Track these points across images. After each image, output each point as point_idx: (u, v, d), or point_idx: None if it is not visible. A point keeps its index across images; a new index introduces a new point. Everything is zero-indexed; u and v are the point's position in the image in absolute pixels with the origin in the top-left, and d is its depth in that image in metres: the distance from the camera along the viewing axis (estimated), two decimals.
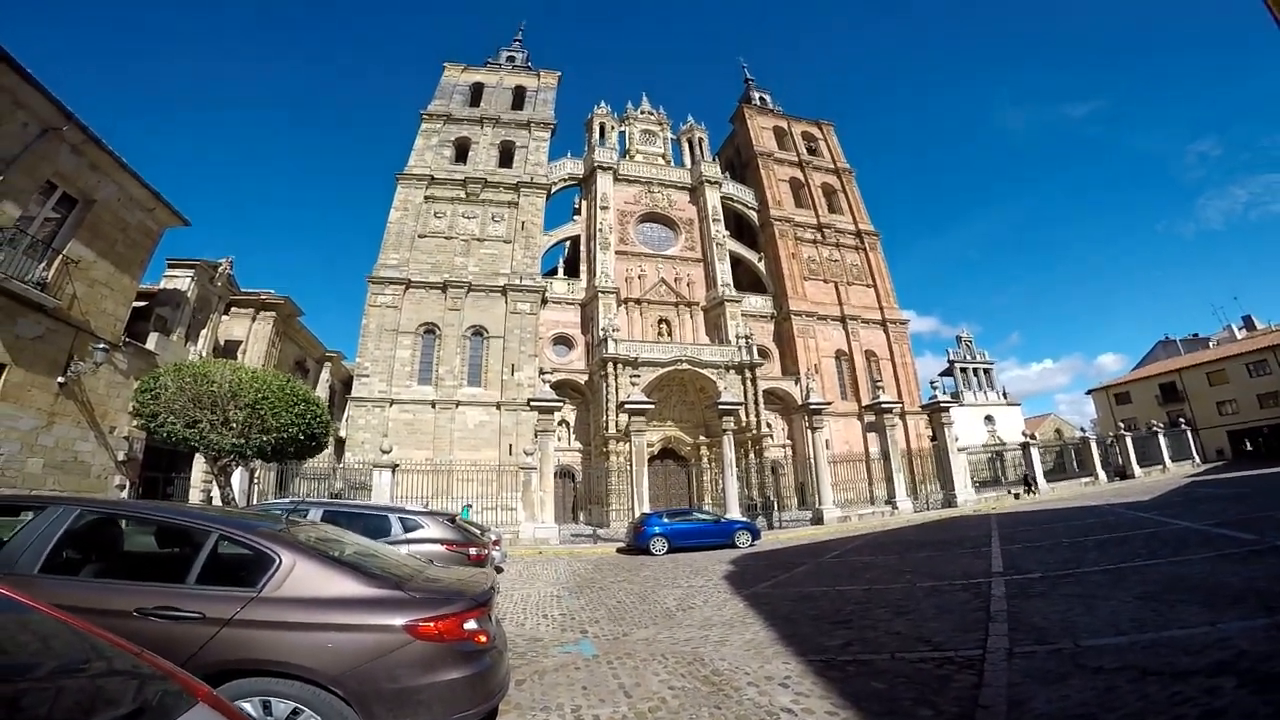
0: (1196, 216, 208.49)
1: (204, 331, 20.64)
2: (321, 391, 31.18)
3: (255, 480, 19.37)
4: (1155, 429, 35.51)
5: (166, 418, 13.01)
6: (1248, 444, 43.25)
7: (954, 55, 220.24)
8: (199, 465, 17.98)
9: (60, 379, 12.98)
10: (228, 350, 22.96)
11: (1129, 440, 32.61)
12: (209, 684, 2.24)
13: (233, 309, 23.81)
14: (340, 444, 30.41)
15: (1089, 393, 61.18)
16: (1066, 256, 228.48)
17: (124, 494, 14.65)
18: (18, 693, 1.66)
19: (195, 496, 18.16)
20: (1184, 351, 56.43)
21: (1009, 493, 27.58)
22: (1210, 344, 55.49)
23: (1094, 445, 31.58)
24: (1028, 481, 28.24)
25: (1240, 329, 52.79)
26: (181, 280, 19.49)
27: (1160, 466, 33.12)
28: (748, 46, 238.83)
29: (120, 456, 14.79)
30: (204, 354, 19.73)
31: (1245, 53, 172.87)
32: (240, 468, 16.48)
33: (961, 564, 10.72)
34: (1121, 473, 31.40)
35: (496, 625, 4.12)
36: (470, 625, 3.55)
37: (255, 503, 17.49)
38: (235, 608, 3.23)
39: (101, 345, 13.45)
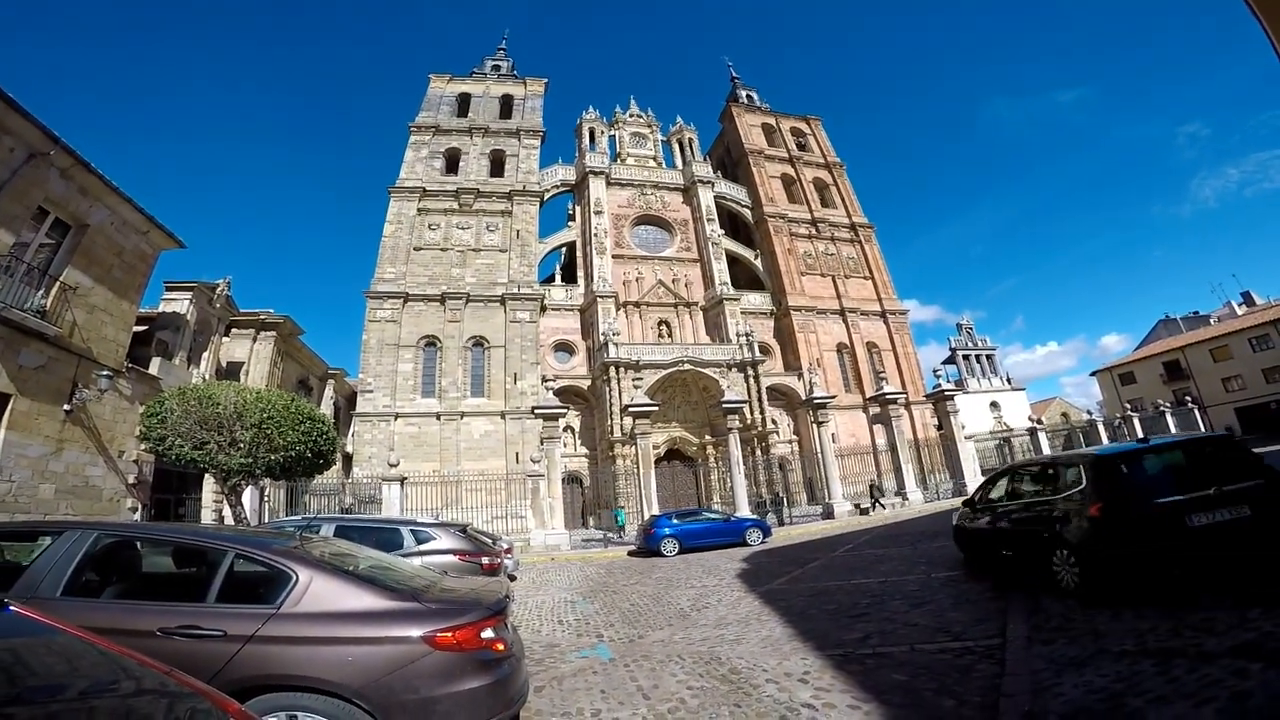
0: (1192, 197, 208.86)
1: (206, 354, 20.62)
2: (326, 409, 31.17)
3: (266, 499, 19.40)
4: (1162, 409, 35.27)
5: (174, 440, 13.08)
6: None
7: (939, 45, 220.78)
8: (209, 486, 17.99)
9: (66, 406, 12.98)
10: (230, 372, 22.96)
11: (1137, 421, 32.39)
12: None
13: (233, 330, 23.79)
14: (348, 459, 30.44)
15: (1093, 374, 61.08)
16: (1066, 241, 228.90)
17: (136, 516, 14.68)
18: (50, 714, 1.67)
19: (207, 517, 18.18)
20: (1185, 329, 56.31)
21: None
22: (1211, 321, 55.34)
23: (1102, 428, 31.36)
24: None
25: (1240, 305, 52.66)
26: (180, 303, 19.47)
27: None
28: (731, 45, 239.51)
29: (130, 479, 14.81)
30: (207, 376, 19.72)
31: (1224, 37, 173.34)
32: (250, 487, 16.51)
33: None
34: None
35: (513, 633, 4.13)
36: (488, 634, 3.56)
37: (267, 521, 17.51)
38: (256, 624, 3.25)
39: (105, 373, 13.44)
